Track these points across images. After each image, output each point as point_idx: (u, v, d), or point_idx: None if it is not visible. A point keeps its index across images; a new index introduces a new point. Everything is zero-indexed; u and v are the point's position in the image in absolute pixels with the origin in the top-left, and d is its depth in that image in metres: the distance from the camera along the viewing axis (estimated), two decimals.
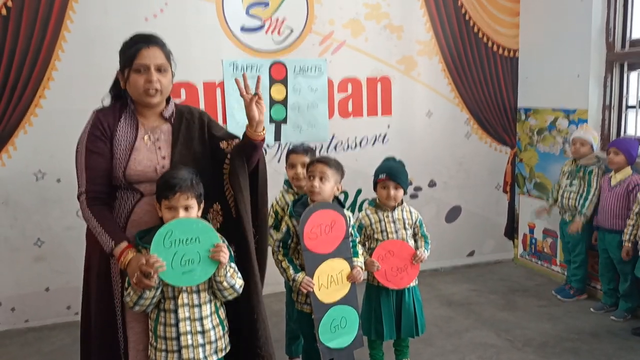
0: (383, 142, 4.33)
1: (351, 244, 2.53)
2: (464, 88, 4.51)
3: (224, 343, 2.03)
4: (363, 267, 2.54)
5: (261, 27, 3.91)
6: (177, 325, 1.92)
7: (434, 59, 4.39)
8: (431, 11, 4.31)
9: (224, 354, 2.03)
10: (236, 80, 2.09)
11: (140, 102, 2.06)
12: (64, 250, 3.58)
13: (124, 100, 2.10)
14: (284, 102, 4.02)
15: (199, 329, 1.95)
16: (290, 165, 2.81)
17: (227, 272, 1.96)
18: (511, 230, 4.81)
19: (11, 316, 3.62)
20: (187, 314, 1.93)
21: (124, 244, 1.92)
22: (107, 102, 2.15)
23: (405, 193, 2.77)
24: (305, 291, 2.38)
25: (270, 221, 2.80)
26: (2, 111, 3.44)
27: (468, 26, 4.43)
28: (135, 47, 2.00)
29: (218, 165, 2.18)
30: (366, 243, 2.74)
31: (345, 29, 4.11)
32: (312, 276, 2.37)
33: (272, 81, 3.97)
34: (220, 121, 3.83)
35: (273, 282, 3.87)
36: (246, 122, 2.08)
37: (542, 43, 4.34)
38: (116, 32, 3.51)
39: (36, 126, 3.50)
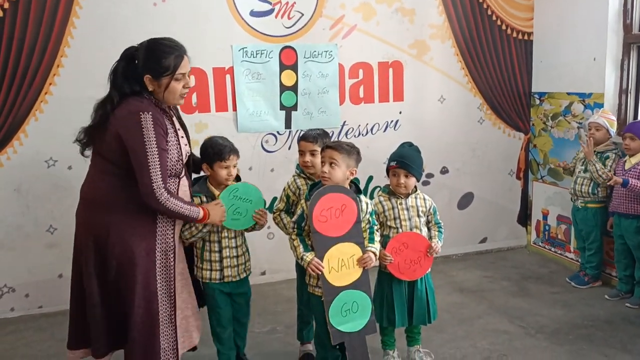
0: (395, 128, 4.29)
1: (369, 230, 2.54)
2: (477, 72, 4.44)
3: (249, 266, 2.75)
4: (377, 254, 2.53)
5: (271, 11, 3.86)
6: (220, 251, 2.62)
7: (447, 43, 4.32)
8: None
9: (248, 274, 2.74)
10: None
11: (170, 103, 2.37)
12: None
13: (149, 99, 2.31)
14: (294, 88, 3.98)
15: (234, 254, 2.64)
16: (300, 153, 2.77)
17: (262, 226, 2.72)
18: (524, 217, 4.77)
19: (25, 302, 3.66)
20: (227, 244, 2.63)
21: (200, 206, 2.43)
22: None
23: (418, 181, 2.73)
24: (314, 273, 2.38)
25: (282, 205, 2.80)
26: (13, 99, 3.45)
27: (482, 9, 4.35)
28: (176, 56, 2.27)
29: None
30: (379, 230, 2.70)
31: (356, 13, 4.05)
32: (322, 259, 2.38)
33: (282, 67, 3.92)
34: (230, 107, 3.81)
35: (285, 269, 3.88)
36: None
37: (557, 26, 4.25)
38: (125, 17, 3.52)
39: (47, 113, 3.51)
